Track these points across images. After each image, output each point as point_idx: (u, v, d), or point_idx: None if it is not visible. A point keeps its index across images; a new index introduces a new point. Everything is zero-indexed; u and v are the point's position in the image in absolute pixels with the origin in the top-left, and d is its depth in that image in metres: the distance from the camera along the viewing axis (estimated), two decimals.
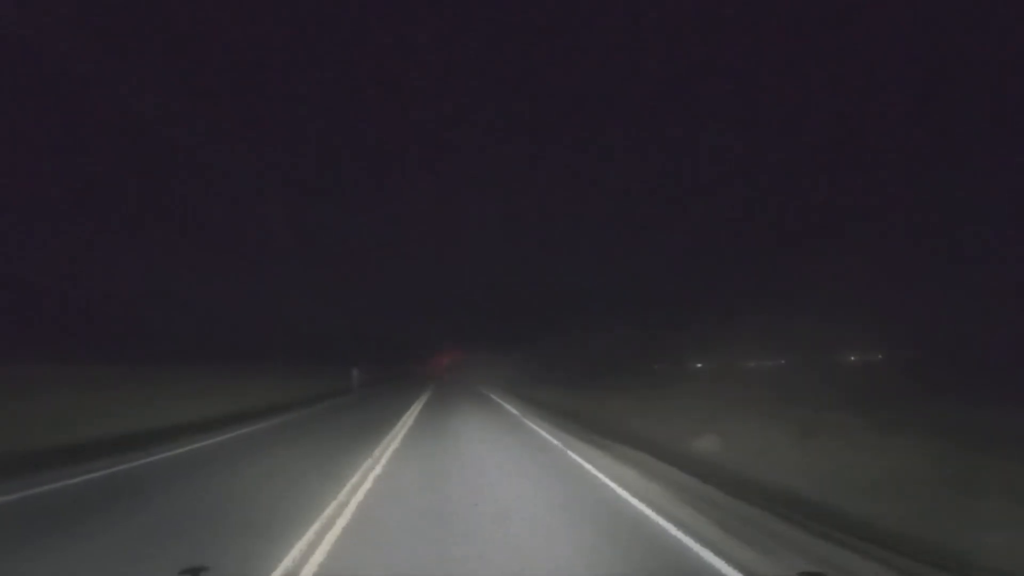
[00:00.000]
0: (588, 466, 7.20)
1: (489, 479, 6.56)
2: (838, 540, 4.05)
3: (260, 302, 23.28)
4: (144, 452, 9.18)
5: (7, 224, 12.52)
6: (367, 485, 6.22)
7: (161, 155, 14.06)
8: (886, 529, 4.35)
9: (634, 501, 5.36)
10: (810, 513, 4.85)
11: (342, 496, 5.72)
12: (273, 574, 3.68)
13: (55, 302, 15.00)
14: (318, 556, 3.96)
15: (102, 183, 13.90)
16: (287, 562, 3.87)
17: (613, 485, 6.08)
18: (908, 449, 6.40)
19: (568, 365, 28.17)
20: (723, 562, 3.73)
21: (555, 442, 9.47)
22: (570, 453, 8.23)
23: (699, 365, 30.79)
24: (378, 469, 7.16)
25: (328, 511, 5.15)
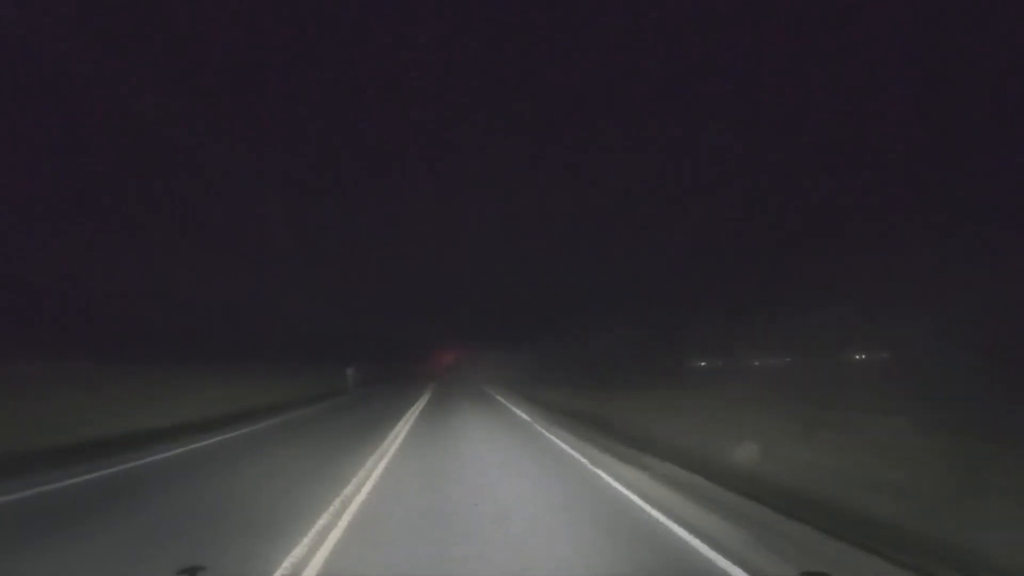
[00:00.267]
0: (627, 492, 5.63)
1: (513, 526, 4.61)
2: None
3: (260, 302, 23.31)
4: (144, 452, 9.18)
5: (7, 224, 12.53)
6: (368, 486, 6.22)
7: (161, 155, 14.05)
8: None
9: (712, 554, 3.86)
10: None
11: (343, 496, 5.72)
12: (274, 575, 3.68)
13: (55, 301, 15.01)
14: (319, 556, 3.96)
15: (102, 183, 13.91)
16: (288, 561, 3.87)
17: (674, 526, 4.49)
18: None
19: (569, 365, 28.13)
20: None
21: (576, 455, 7.95)
22: (605, 475, 6.49)
23: (703, 364, 30.62)
24: (379, 470, 7.15)
25: (329, 511, 5.15)
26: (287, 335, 27.20)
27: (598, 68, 13.35)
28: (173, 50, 11.27)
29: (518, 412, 15.34)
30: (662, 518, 4.76)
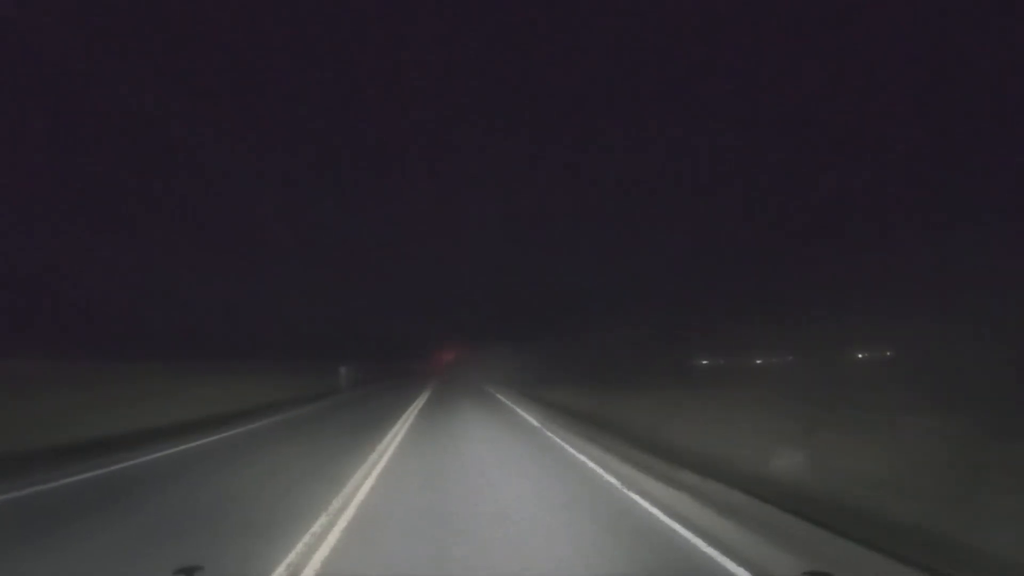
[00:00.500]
0: (658, 514, 4.89)
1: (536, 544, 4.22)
2: None
3: (259, 301, 23.26)
4: (142, 451, 9.18)
5: (6, 223, 12.50)
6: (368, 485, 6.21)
7: (161, 155, 14.03)
8: None
9: None
10: None
11: (342, 495, 5.71)
12: (273, 574, 3.67)
13: (54, 301, 14.99)
14: (318, 556, 3.95)
15: (101, 182, 13.88)
16: (287, 561, 3.86)
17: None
18: None
19: (569, 365, 28.11)
20: None
21: (595, 466, 7.11)
22: (631, 494, 5.61)
23: (704, 362, 30.56)
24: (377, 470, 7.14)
25: (328, 510, 5.14)
26: (287, 335, 27.17)
27: (598, 68, 13.32)
28: (173, 49, 11.24)
29: (519, 411, 15.33)
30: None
